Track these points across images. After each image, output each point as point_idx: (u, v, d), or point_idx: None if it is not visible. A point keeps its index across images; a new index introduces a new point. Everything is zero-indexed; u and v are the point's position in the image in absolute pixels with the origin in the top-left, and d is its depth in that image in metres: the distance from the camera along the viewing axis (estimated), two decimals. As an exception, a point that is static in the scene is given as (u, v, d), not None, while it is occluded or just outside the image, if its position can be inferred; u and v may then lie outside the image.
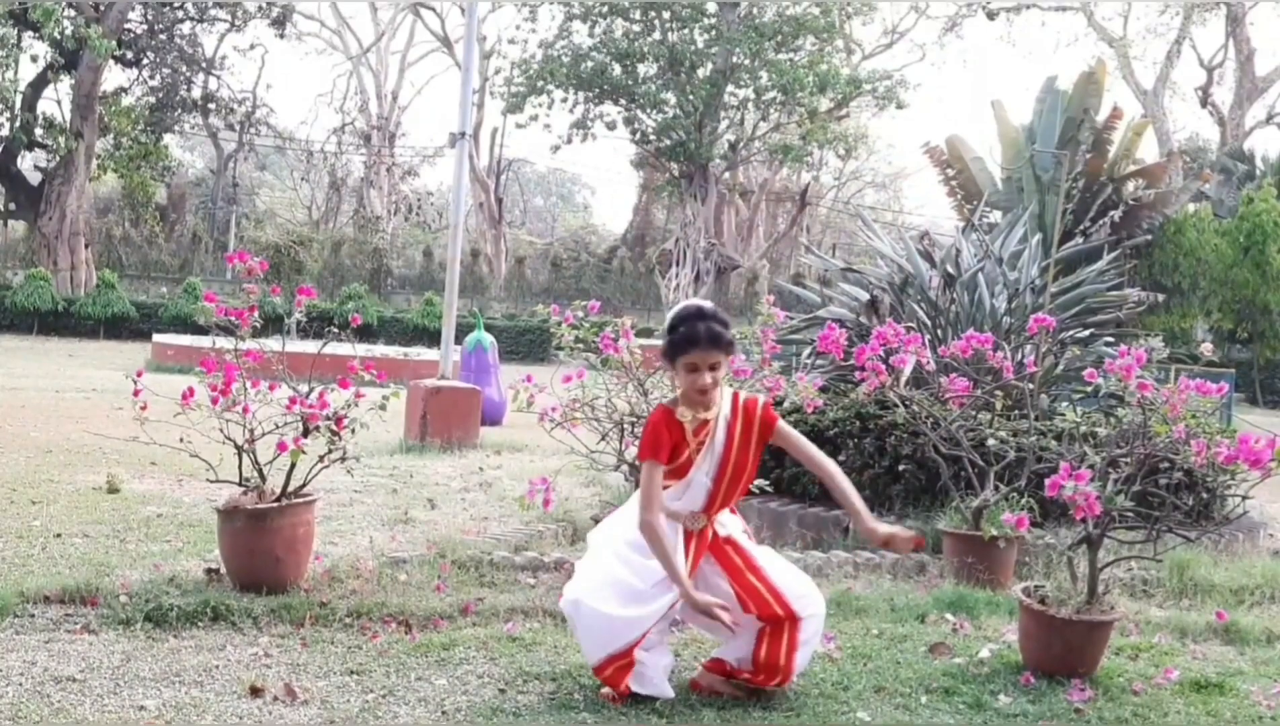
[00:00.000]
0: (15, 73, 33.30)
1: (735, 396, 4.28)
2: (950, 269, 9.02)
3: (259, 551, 5.21)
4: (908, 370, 6.57)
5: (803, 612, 4.18)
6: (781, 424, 4.31)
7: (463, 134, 12.23)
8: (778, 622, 4.17)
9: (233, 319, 5.40)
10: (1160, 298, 26.19)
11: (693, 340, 4.08)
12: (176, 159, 41.90)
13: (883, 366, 6.46)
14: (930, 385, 7.03)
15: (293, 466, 5.33)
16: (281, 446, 5.23)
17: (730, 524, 4.35)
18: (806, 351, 9.33)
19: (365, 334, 29.75)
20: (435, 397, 11.06)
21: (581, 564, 4.39)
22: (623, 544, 4.22)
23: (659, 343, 4.24)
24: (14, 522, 6.51)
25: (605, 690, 4.17)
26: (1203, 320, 33.27)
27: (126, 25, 33.48)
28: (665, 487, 4.19)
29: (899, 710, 4.27)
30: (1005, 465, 6.58)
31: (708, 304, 4.30)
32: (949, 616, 5.54)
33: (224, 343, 5.47)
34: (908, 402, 6.88)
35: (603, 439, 6.84)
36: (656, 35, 35.95)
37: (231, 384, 5.32)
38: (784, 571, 4.31)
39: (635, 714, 4.07)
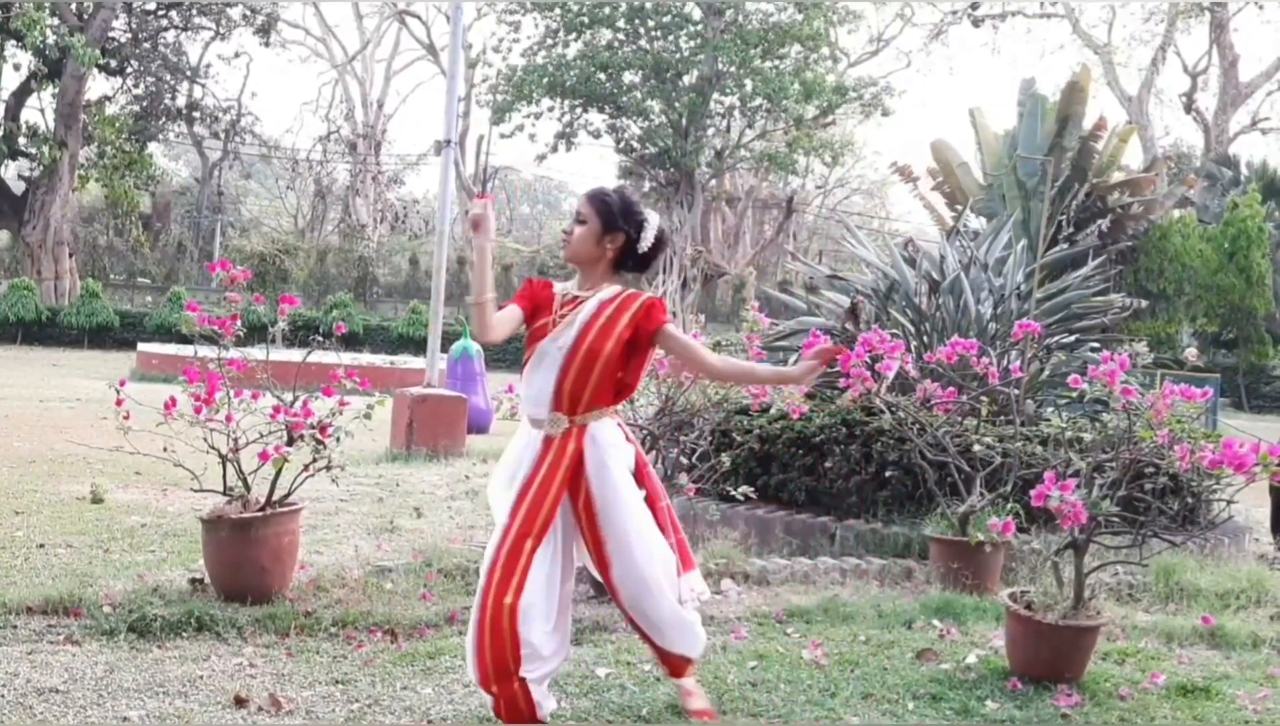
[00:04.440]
0: (-2, 81, 33.23)
1: (629, 292, 3.99)
2: (935, 275, 9.03)
3: (244, 561, 5.19)
4: (890, 376, 6.58)
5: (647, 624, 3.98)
6: (668, 328, 3.93)
7: (448, 141, 12.22)
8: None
9: (216, 328, 5.38)
10: (1145, 303, 26.27)
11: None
12: (161, 168, 41.72)
13: (868, 373, 6.46)
14: (915, 392, 7.04)
15: (277, 475, 5.31)
16: (264, 455, 5.21)
17: (611, 451, 3.91)
18: (793, 358, 9.33)
19: (351, 342, 29.68)
20: (421, 406, 11.04)
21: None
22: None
23: None
24: (-3, 533, 6.48)
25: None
26: (1188, 325, 33.41)
27: (110, 34, 33.32)
28: (523, 370, 3.98)
29: (886, 716, 4.27)
30: (991, 470, 6.59)
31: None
32: (936, 622, 5.55)
33: (207, 352, 5.46)
34: (894, 409, 6.89)
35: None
36: (642, 43, 35.97)
37: (215, 393, 5.30)
38: (630, 564, 3.89)
39: (619, 721, 4.06)
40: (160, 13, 36.36)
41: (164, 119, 38.53)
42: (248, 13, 36.34)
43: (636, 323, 3.91)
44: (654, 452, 6.36)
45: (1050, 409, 8.79)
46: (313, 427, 5.35)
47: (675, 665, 4.12)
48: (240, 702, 4.04)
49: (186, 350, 6.68)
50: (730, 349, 7.27)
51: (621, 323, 3.90)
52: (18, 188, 33.97)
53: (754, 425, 7.76)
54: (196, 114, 39.68)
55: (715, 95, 36.26)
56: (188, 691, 4.15)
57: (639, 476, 3.99)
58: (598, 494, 3.88)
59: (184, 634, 4.77)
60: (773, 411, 7.56)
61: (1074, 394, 5.41)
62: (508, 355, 31.09)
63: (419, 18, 46.67)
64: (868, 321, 8.52)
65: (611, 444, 3.94)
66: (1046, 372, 8.49)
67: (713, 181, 40.09)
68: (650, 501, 3.99)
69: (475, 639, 3.74)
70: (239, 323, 5.44)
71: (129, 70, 36.36)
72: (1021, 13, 42.58)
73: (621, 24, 35.80)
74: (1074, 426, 7.21)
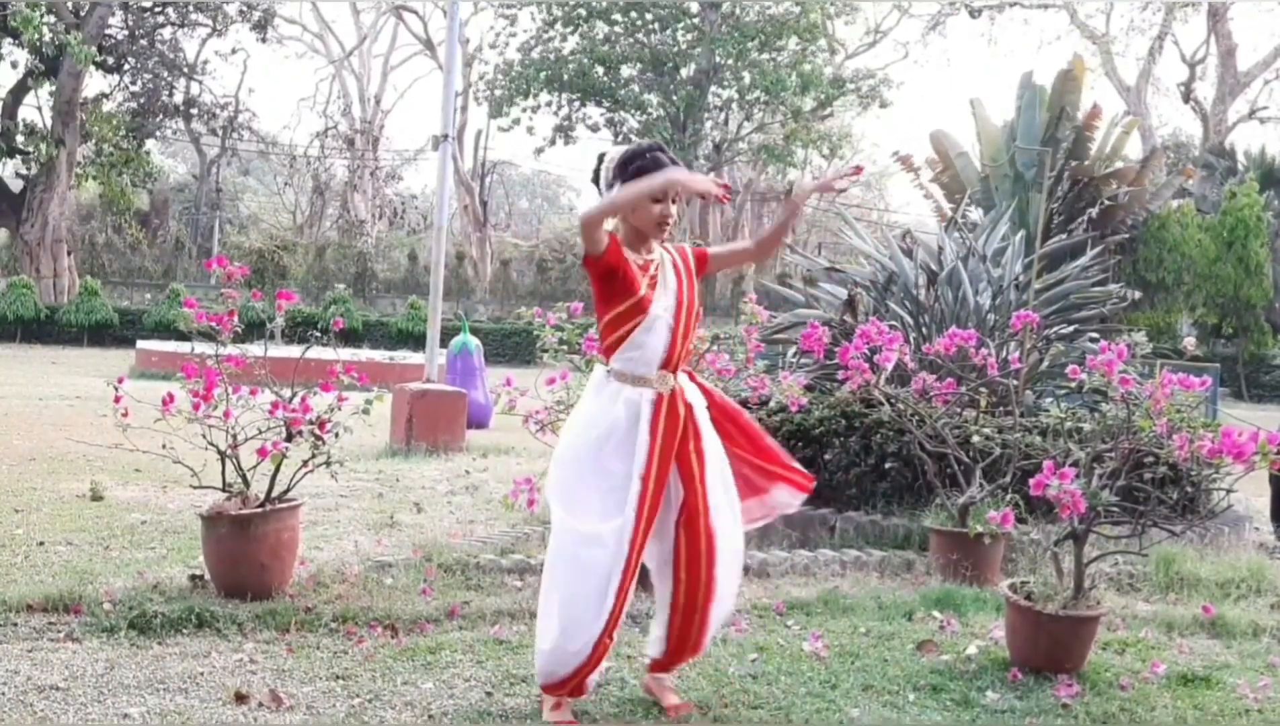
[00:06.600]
0: (-5, 80, 33.21)
1: (678, 246, 4.18)
2: (934, 266, 9.03)
3: (243, 557, 5.18)
4: (888, 368, 6.58)
5: (720, 592, 4.04)
6: (712, 250, 4.27)
7: (446, 136, 12.19)
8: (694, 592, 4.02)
9: (213, 325, 5.38)
10: (1141, 295, 26.23)
11: (661, 166, 3.95)
12: (159, 165, 41.69)
13: (866, 365, 6.47)
14: (914, 383, 7.04)
15: (276, 471, 5.31)
16: (262, 452, 5.21)
17: (696, 399, 4.10)
18: (791, 351, 9.33)
19: (350, 338, 29.65)
20: (420, 401, 11.04)
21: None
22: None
23: None
24: (-4, 531, 6.48)
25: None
26: (1187, 315, 33.38)
27: (107, 31, 33.29)
28: (624, 337, 3.95)
29: (887, 708, 4.27)
30: (990, 462, 6.59)
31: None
32: (936, 614, 5.55)
33: (206, 348, 5.46)
34: (893, 401, 6.89)
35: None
36: (640, 36, 35.95)
37: (213, 389, 5.30)
38: (728, 531, 4.05)
39: (619, 716, 4.06)
40: (157, 9, 36.30)
41: (161, 116, 38.50)
42: (244, 9, 36.30)
43: (698, 267, 4.14)
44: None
45: (1049, 399, 8.80)
46: (311, 423, 5.35)
47: (677, 655, 4.16)
48: (241, 699, 4.03)
49: (186, 347, 6.66)
50: (728, 342, 7.26)
51: (693, 275, 4.11)
52: (15, 186, 33.94)
53: (752, 418, 7.74)
54: (194, 110, 39.67)
55: (713, 88, 36.30)
56: (188, 688, 4.15)
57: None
58: (706, 440, 4.07)
59: (184, 630, 4.77)
60: (772, 404, 7.55)
61: (1073, 384, 5.42)
62: (506, 350, 31.15)
63: (416, 13, 46.73)
64: (864, 313, 8.51)
65: (695, 390, 4.14)
66: (1045, 363, 8.49)
67: (711, 174, 40.04)
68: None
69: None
70: (236, 319, 5.44)
71: (126, 67, 36.33)
72: (1019, 3, 42.54)
73: (619, 17, 35.77)
74: (1073, 417, 7.22)
